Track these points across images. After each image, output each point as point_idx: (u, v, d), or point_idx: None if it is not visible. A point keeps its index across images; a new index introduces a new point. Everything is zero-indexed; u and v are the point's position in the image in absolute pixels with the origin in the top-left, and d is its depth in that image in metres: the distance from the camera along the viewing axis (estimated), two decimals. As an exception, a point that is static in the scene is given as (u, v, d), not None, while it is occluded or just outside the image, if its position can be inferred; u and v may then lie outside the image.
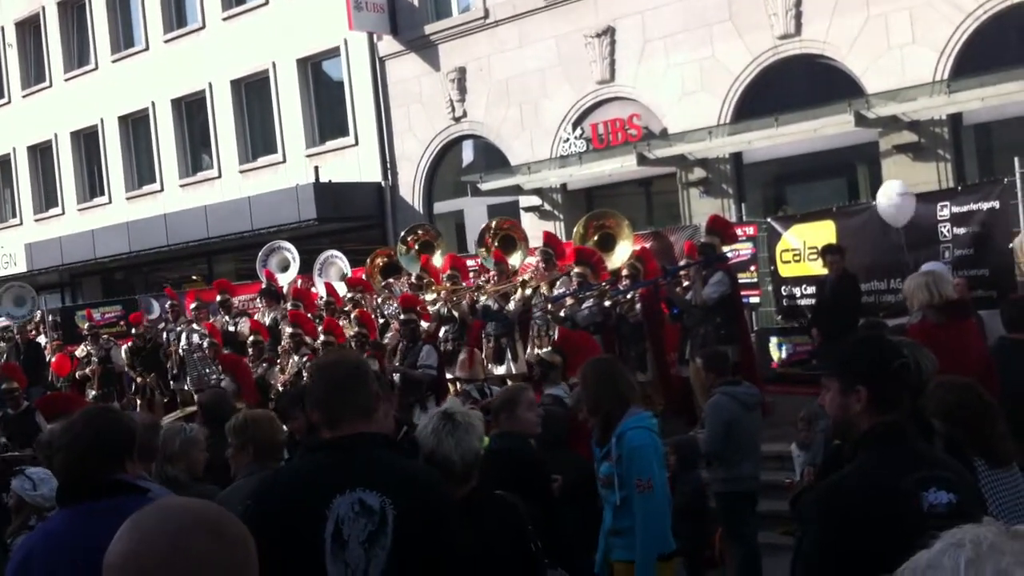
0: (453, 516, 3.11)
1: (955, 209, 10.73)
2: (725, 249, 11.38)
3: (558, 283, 12.40)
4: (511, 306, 12.31)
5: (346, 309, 13.68)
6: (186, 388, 14.75)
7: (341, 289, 14.87)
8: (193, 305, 15.80)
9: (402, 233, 15.70)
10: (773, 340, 12.56)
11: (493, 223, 14.44)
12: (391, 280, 14.30)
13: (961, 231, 10.67)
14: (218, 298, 15.62)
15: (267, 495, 3.05)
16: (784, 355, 12.46)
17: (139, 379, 15.47)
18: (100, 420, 3.39)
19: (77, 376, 16.09)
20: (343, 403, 3.10)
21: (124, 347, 15.97)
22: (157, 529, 1.55)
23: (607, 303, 11.66)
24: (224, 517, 1.61)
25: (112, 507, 3.01)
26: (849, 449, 2.99)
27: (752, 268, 12.75)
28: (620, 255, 12.43)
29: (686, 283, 11.09)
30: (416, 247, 14.85)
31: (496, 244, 13.67)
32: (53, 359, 17.02)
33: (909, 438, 2.88)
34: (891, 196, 10.59)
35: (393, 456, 3.17)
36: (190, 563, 1.51)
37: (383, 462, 3.06)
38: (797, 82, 14.56)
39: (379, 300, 13.97)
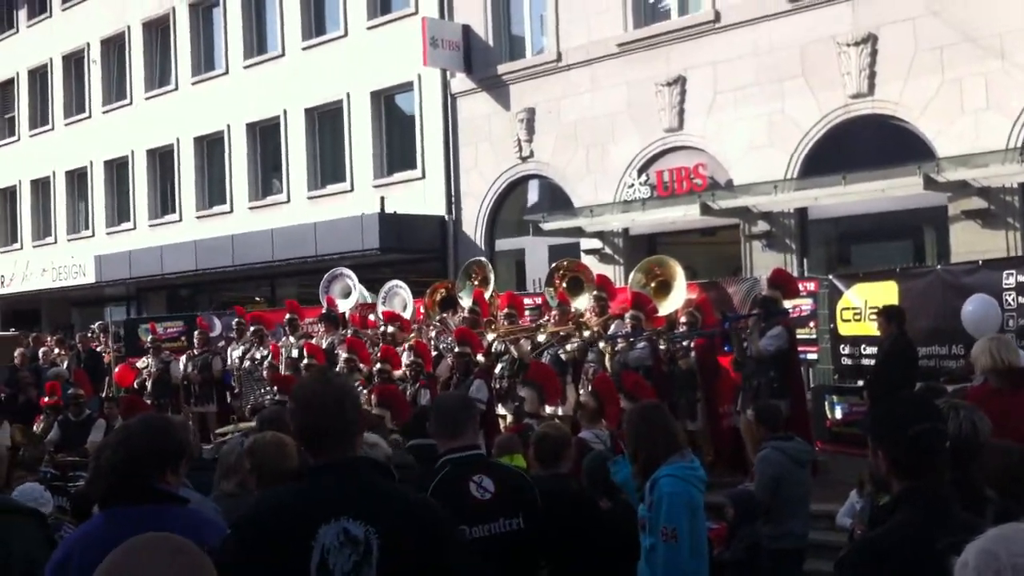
0: (448, 542, 3.02)
1: (1021, 278, 10.59)
2: (786, 304, 11.32)
3: (612, 326, 12.42)
4: (568, 347, 12.34)
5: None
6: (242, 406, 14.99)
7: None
8: (252, 328, 16.05)
9: (468, 263, 15.90)
10: (829, 398, 12.43)
11: (565, 263, 14.55)
12: (445, 315, 14.44)
13: (1026, 300, 10.52)
14: (287, 317, 15.85)
15: (249, 526, 2.94)
16: (839, 414, 12.31)
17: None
18: (154, 427, 3.45)
19: (135, 386, 16.42)
20: (326, 427, 3.01)
21: (182, 358, 16.34)
22: (128, 549, 1.92)
23: (662, 346, 11.66)
24: (183, 542, 1.96)
25: (149, 513, 3.10)
26: (884, 511, 3.00)
27: (811, 324, 12.65)
28: (673, 301, 12.44)
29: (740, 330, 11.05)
30: (477, 282, 15.00)
31: (564, 285, 13.75)
32: (116, 370, 17.37)
33: (942, 505, 2.85)
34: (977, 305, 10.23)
35: (381, 481, 3.08)
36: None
37: (369, 488, 2.98)
38: (867, 141, 14.48)
39: (433, 333, 14.10)
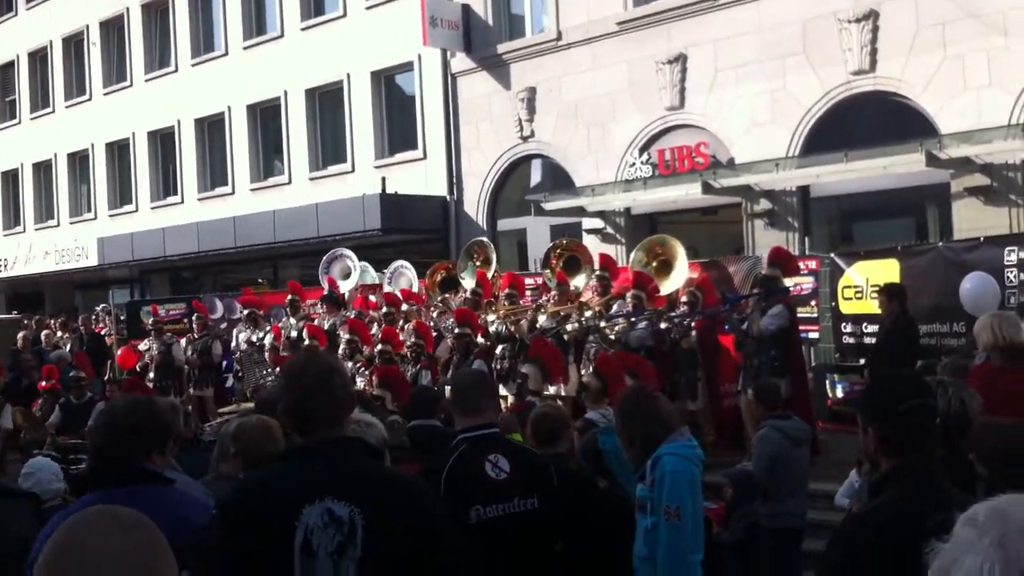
0: (436, 524, 2.98)
1: (1023, 255, 10.53)
2: (786, 282, 11.28)
3: (614, 306, 12.40)
4: (569, 327, 12.31)
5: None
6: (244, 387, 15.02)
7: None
8: (247, 311, 16.03)
9: (469, 243, 15.88)
10: (830, 377, 12.40)
11: (564, 241, 14.51)
12: (447, 295, 14.41)
13: (1028, 277, 10.47)
14: (288, 298, 15.83)
15: (234, 506, 2.91)
16: (841, 393, 12.29)
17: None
18: (139, 410, 3.46)
19: (138, 369, 16.44)
20: (312, 407, 2.98)
21: (182, 340, 16.32)
22: (74, 525, 1.78)
23: (663, 325, 11.64)
24: (136, 517, 1.82)
25: (136, 493, 3.08)
26: (872, 488, 2.98)
27: (813, 303, 12.62)
28: (674, 281, 12.40)
29: (741, 315, 11.03)
30: (479, 262, 14.98)
31: (560, 264, 13.71)
32: (118, 352, 17.39)
33: (931, 481, 2.83)
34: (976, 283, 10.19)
35: (367, 462, 3.04)
36: (99, 548, 1.72)
37: (354, 469, 2.94)
38: (869, 118, 14.41)
39: (435, 314, 14.08)
